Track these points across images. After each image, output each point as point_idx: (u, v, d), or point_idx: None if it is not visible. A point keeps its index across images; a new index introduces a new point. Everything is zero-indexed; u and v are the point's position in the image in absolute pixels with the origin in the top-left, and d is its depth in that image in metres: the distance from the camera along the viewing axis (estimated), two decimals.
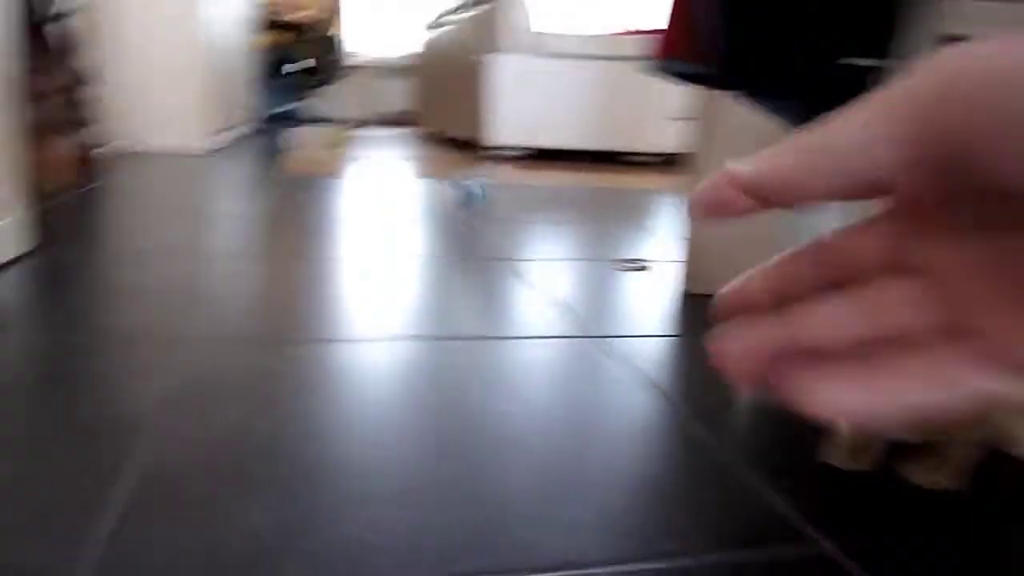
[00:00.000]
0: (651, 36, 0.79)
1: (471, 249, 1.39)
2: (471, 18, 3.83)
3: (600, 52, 3.67)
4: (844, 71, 0.68)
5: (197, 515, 0.46)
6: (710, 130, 1.10)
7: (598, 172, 3.25)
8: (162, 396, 0.64)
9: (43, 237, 1.24)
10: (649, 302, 1.09)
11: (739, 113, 1.09)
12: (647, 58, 0.75)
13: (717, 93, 1.07)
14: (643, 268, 1.30)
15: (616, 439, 0.62)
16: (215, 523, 0.46)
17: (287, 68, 5.31)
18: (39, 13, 1.79)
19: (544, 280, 1.17)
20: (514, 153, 3.74)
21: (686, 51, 0.71)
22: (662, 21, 0.75)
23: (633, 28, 4.35)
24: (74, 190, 1.83)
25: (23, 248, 1.11)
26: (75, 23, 2.00)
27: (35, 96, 1.76)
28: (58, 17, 1.94)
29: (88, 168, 2.06)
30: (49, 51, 1.85)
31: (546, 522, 0.48)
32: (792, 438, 0.65)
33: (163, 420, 0.60)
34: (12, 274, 1.01)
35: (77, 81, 2.01)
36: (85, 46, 2.76)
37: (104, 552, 0.42)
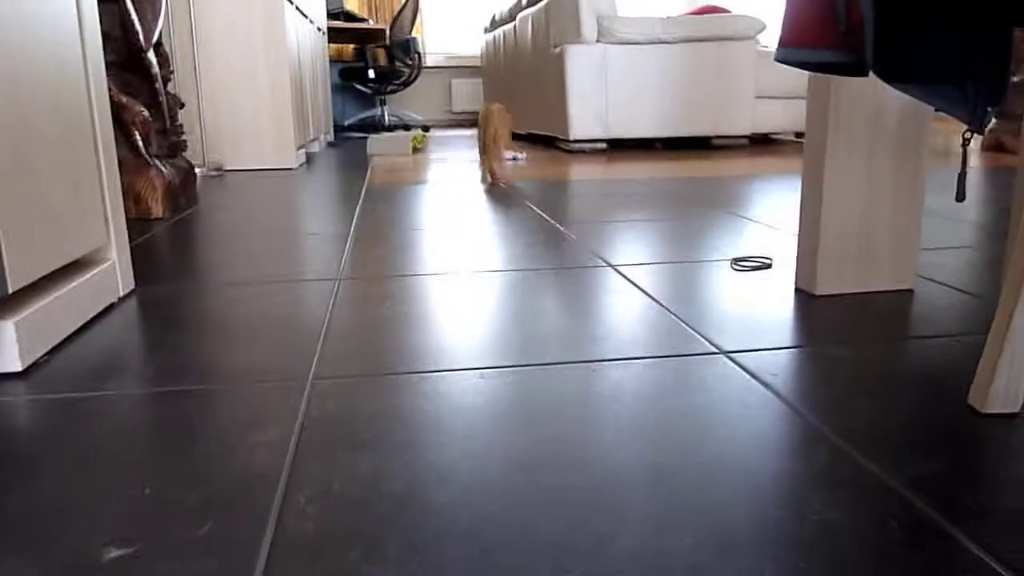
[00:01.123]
0: (727, 13, 0.72)
1: (566, 254, 1.33)
2: (544, 9, 3.75)
3: (680, 35, 3.53)
4: (1007, 48, 0.58)
5: None
6: (823, 107, 1.00)
7: (688, 160, 3.13)
8: (284, 445, 0.61)
9: (142, 274, 1.25)
10: (771, 305, 1.00)
11: (852, 88, 0.99)
12: (776, 47, 0.67)
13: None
14: (764, 266, 1.21)
15: (771, 480, 0.55)
16: None
17: (370, 74, 5.36)
18: (144, 43, 1.83)
19: (651, 286, 1.10)
20: (598, 146, 3.65)
21: (820, 39, 0.63)
22: (786, 6, 0.68)
23: (710, 5, 4.18)
24: (169, 218, 1.87)
25: (123, 290, 1.11)
26: (166, 48, 2.05)
27: (132, 125, 1.80)
28: (157, 45, 1.98)
29: (182, 193, 2.10)
30: (148, 78, 1.89)
31: None
32: (989, 477, 0.56)
33: (289, 474, 0.56)
34: (113, 318, 1.01)
35: (172, 107, 2.06)
36: (175, 70, 2.84)
37: None
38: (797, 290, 1.08)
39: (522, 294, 1.08)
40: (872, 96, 0.99)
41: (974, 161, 2.85)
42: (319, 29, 4.33)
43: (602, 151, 3.58)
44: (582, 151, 3.55)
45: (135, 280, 1.18)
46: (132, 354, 0.86)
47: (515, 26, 4.37)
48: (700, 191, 2.17)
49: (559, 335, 0.89)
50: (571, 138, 3.48)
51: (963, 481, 0.55)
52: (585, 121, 3.45)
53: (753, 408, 0.68)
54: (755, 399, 0.70)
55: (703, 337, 0.88)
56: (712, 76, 3.55)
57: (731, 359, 0.81)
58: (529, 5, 4.12)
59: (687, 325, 0.92)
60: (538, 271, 1.21)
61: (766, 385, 0.73)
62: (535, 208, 1.89)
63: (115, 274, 1.07)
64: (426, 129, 5.60)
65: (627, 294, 1.07)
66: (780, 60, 0.67)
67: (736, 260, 1.25)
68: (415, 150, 3.85)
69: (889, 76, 0.58)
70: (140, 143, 1.82)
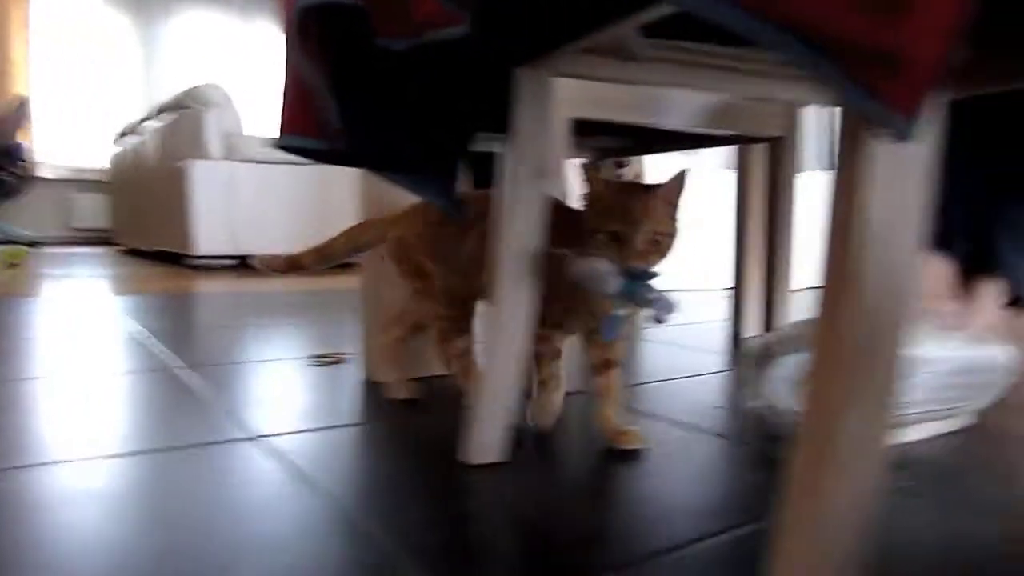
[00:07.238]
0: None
1: (161, 361, 1.24)
2: (171, 125, 3.64)
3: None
4: (446, 144, 0.69)
5: None
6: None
7: (318, 274, 3.17)
8: None
9: None
10: (332, 395, 1.03)
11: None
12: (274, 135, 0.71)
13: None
14: (339, 361, 1.24)
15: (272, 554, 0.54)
16: None
17: None
18: None
19: (225, 383, 1.07)
20: (224, 263, 3.54)
21: (307, 127, 0.68)
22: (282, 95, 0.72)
23: None
24: None
25: None
26: None
27: None
28: None
29: None
30: None
31: None
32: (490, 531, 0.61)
33: None
34: None
35: None
36: None
37: None
38: (367, 380, 1.12)
39: (105, 396, 0.97)
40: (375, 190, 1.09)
41: None
42: None
43: (232, 267, 3.47)
44: (209, 267, 3.41)
45: None
46: None
47: (143, 139, 4.16)
48: (316, 300, 2.21)
49: (73, 433, 0.81)
50: (193, 254, 3.34)
51: (435, 525, 0.60)
52: (212, 237, 3.34)
53: (272, 486, 0.67)
54: (276, 478, 0.70)
55: (240, 426, 0.86)
56: (336, 192, 3.68)
57: (262, 443, 0.80)
58: (154, 116, 3.95)
59: (227, 415, 0.90)
60: (118, 373, 1.11)
61: (292, 464, 0.73)
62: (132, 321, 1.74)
63: None
64: (32, 245, 4.95)
65: (186, 393, 1.02)
66: (277, 147, 0.72)
67: (311, 356, 1.27)
68: (10, 266, 3.37)
69: (357, 164, 0.65)
70: None
